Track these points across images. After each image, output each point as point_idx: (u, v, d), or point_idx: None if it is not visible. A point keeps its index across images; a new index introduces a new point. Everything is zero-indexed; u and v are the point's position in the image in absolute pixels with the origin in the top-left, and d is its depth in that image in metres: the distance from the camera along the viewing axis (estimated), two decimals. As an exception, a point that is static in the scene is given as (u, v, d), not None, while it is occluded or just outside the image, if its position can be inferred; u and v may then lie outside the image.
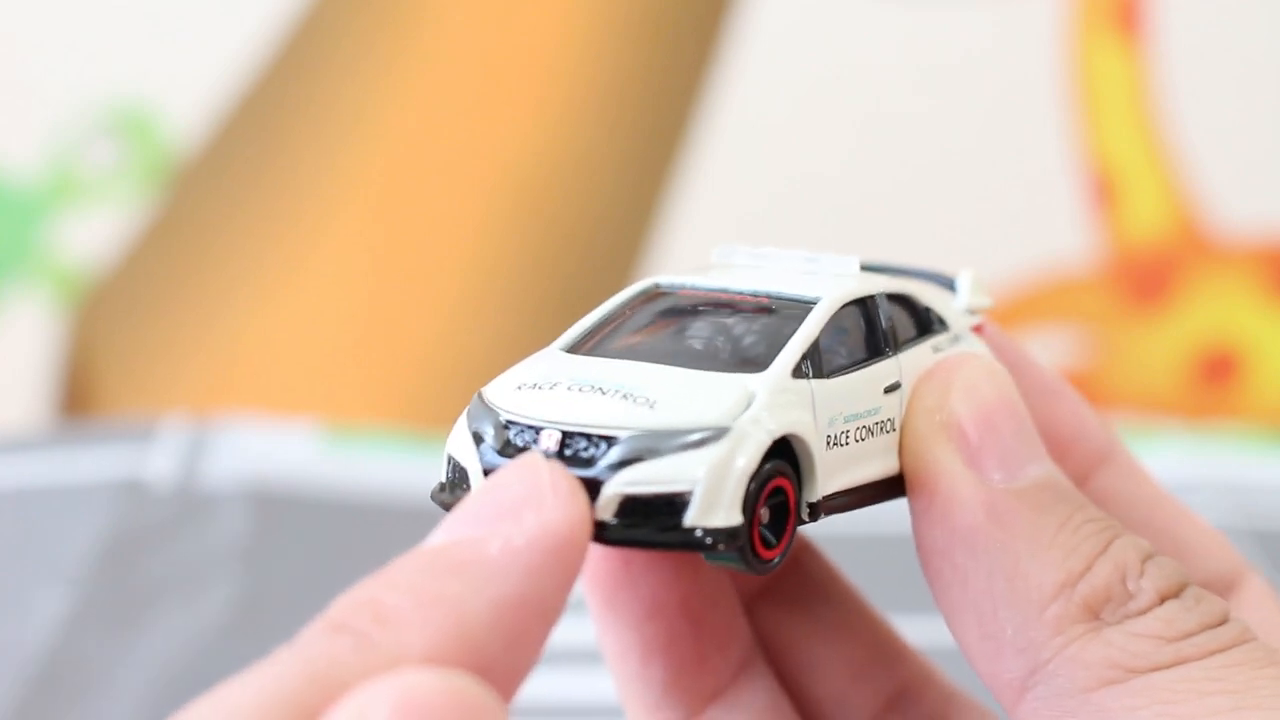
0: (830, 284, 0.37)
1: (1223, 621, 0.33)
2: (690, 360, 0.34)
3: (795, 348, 0.34)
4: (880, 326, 0.37)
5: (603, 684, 0.64)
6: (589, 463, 0.32)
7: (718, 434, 0.32)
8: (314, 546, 0.78)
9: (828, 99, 1.01)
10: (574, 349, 0.35)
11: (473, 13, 1.01)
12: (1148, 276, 1.02)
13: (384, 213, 1.02)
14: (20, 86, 1.01)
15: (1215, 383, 1.03)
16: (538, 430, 0.32)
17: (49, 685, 0.67)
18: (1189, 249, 1.02)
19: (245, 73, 1.01)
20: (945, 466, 0.35)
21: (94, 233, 1.02)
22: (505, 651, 0.27)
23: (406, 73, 1.01)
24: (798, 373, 0.34)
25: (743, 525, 0.32)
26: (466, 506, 0.29)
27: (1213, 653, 0.32)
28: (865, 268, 0.39)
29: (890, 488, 0.36)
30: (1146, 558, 0.34)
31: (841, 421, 0.35)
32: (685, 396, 0.33)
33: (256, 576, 0.75)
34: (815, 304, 0.36)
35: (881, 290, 0.37)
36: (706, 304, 0.36)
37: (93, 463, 0.84)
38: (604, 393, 0.33)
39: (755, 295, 0.36)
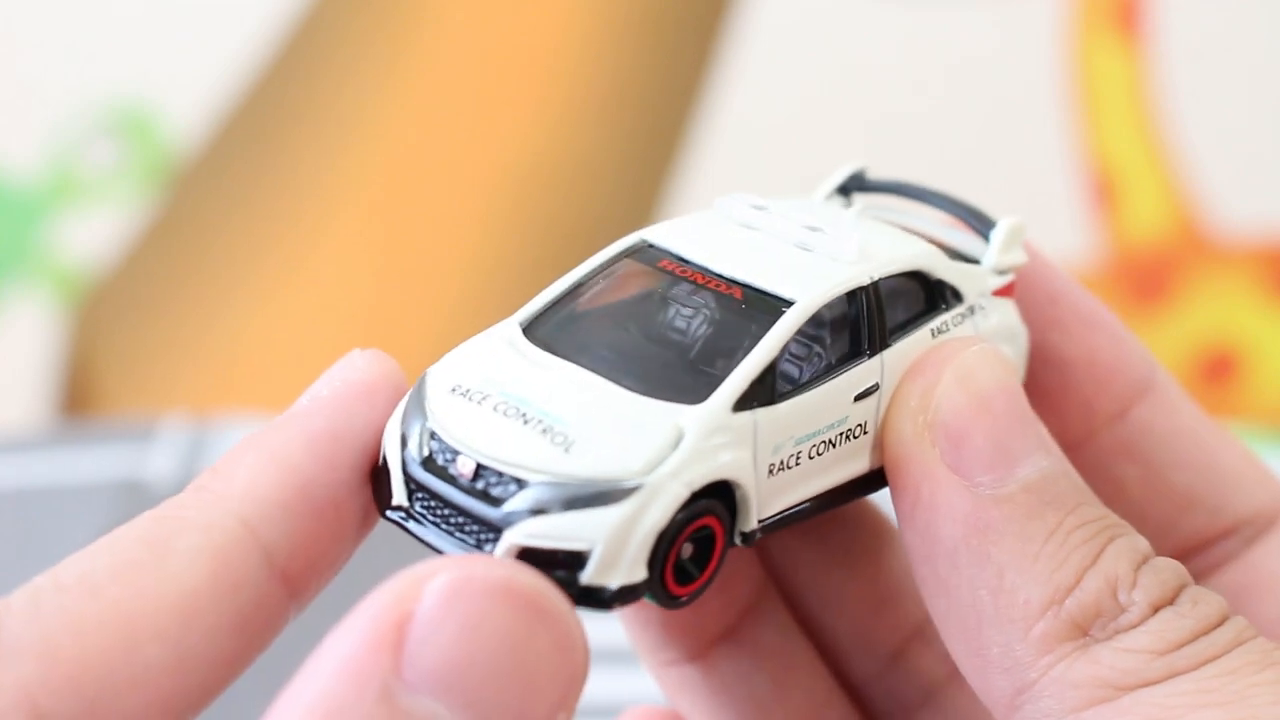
0: (819, 274, 0.35)
1: (1220, 623, 0.32)
2: (633, 374, 0.33)
3: (741, 377, 0.33)
4: (864, 322, 0.35)
5: (602, 685, 0.64)
6: (497, 501, 0.31)
7: (628, 490, 0.31)
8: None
9: (828, 99, 1.01)
10: (532, 325, 0.35)
11: (473, 13, 1.01)
12: (1148, 276, 1.02)
13: (384, 212, 1.02)
14: (20, 86, 1.01)
15: (1215, 382, 1.03)
16: (456, 453, 0.32)
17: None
18: (1189, 249, 1.02)
19: (245, 73, 1.01)
20: (927, 472, 0.33)
21: (94, 233, 1.02)
22: (324, 475, 0.31)
23: (406, 73, 1.01)
24: (742, 403, 0.33)
25: (643, 582, 0.31)
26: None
27: (1206, 661, 0.31)
28: (904, 191, 0.38)
29: (849, 492, 0.35)
30: (1142, 563, 0.33)
31: (790, 445, 0.33)
32: (606, 438, 0.32)
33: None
34: (789, 307, 0.34)
35: (879, 276, 0.35)
36: (680, 286, 0.35)
37: (93, 463, 0.84)
38: (526, 421, 0.32)
39: (732, 284, 0.35)
